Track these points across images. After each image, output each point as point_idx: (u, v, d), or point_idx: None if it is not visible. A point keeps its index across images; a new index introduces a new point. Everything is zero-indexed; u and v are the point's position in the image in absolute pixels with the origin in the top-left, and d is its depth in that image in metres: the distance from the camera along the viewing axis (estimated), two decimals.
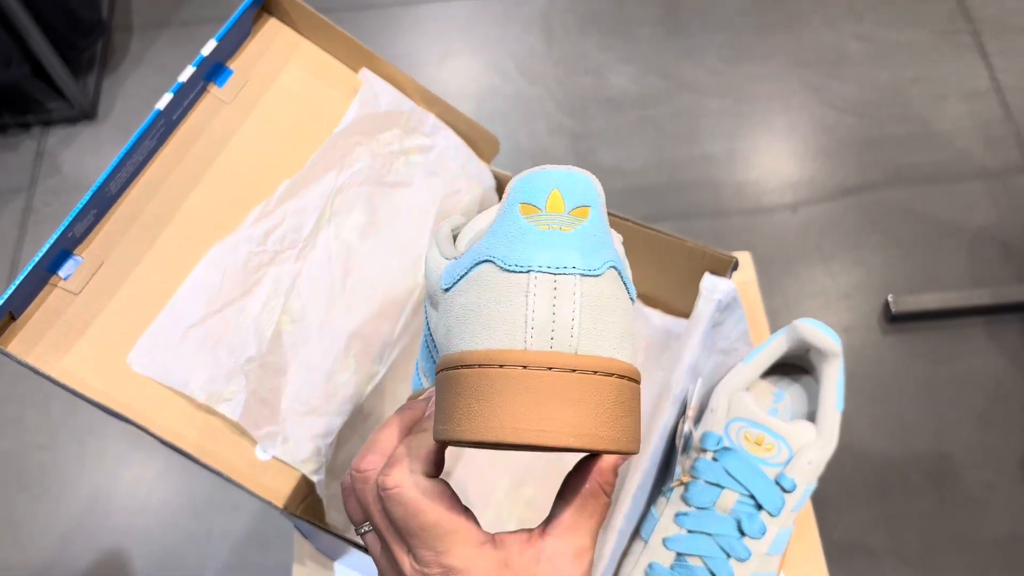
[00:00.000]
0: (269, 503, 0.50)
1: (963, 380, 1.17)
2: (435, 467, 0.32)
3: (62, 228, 0.47)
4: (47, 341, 0.47)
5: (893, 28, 1.47)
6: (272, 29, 0.57)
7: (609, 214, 0.31)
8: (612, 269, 0.29)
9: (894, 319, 1.21)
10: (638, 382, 0.30)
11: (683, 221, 1.32)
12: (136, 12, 1.56)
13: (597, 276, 0.29)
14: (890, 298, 1.21)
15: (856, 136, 1.37)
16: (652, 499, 0.59)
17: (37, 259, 0.46)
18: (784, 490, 0.54)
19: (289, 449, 0.51)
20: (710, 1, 1.53)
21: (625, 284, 0.30)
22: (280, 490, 0.51)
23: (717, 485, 0.54)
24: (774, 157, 1.37)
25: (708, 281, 0.57)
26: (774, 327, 0.74)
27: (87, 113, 1.44)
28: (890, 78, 1.42)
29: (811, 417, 0.58)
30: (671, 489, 0.56)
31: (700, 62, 1.46)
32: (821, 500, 0.63)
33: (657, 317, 0.70)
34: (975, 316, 1.21)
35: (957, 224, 1.29)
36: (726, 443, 0.55)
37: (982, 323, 1.20)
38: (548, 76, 1.47)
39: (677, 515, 0.55)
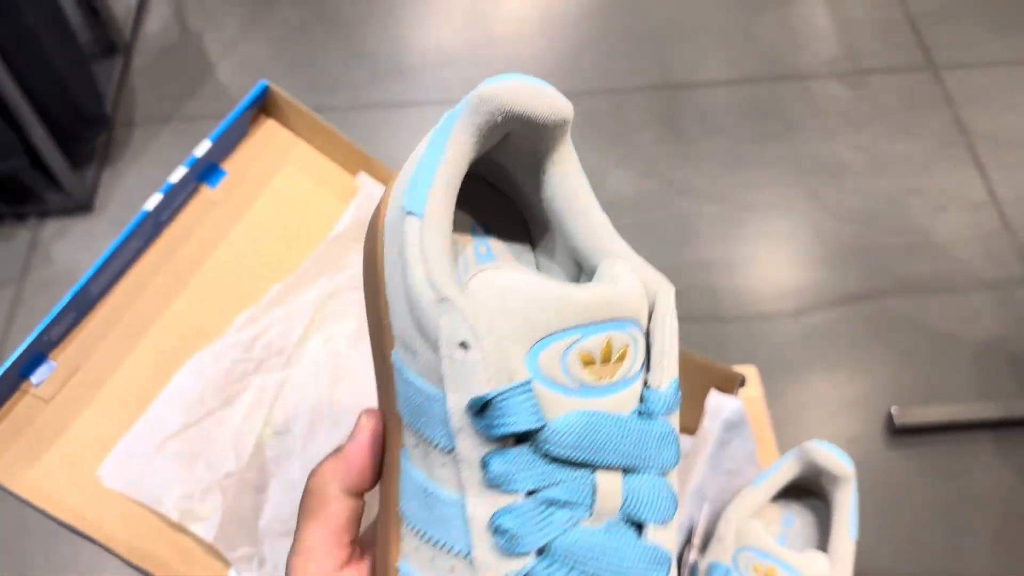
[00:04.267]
0: None
1: (973, 497, 1.13)
2: None
3: (38, 331, 0.45)
4: (13, 452, 0.44)
5: (891, 140, 1.49)
6: (270, 130, 0.56)
7: None
8: None
9: (898, 432, 1.18)
10: None
11: (680, 327, 1.29)
12: (140, 106, 1.57)
13: None
14: (894, 410, 1.18)
15: (856, 245, 1.37)
16: None
17: (9, 364, 0.44)
18: None
19: (266, 573, 0.47)
20: (708, 108, 1.54)
21: None
22: None
23: None
24: (773, 264, 1.36)
25: (714, 399, 0.54)
26: (778, 438, 0.71)
27: (84, 206, 1.43)
28: (889, 188, 1.43)
29: (823, 545, 0.55)
30: None
31: (698, 168, 1.46)
32: None
33: None
34: (983, 430, 1.17)
35: (960, 335, 1.27)
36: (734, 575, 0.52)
37: (990, 438, 1.17)
38: None
39: None
